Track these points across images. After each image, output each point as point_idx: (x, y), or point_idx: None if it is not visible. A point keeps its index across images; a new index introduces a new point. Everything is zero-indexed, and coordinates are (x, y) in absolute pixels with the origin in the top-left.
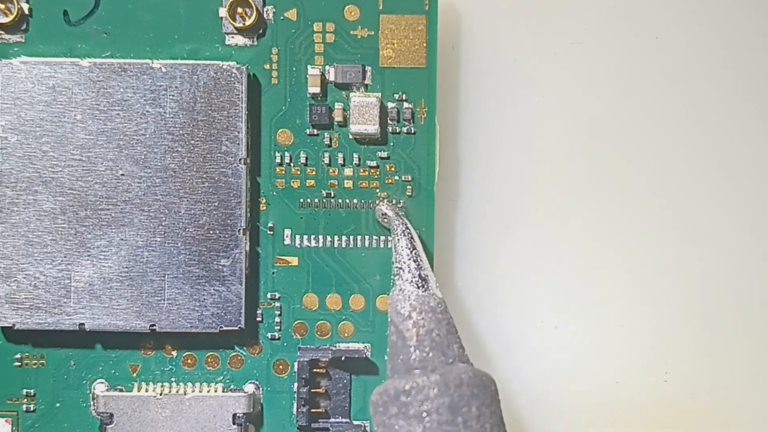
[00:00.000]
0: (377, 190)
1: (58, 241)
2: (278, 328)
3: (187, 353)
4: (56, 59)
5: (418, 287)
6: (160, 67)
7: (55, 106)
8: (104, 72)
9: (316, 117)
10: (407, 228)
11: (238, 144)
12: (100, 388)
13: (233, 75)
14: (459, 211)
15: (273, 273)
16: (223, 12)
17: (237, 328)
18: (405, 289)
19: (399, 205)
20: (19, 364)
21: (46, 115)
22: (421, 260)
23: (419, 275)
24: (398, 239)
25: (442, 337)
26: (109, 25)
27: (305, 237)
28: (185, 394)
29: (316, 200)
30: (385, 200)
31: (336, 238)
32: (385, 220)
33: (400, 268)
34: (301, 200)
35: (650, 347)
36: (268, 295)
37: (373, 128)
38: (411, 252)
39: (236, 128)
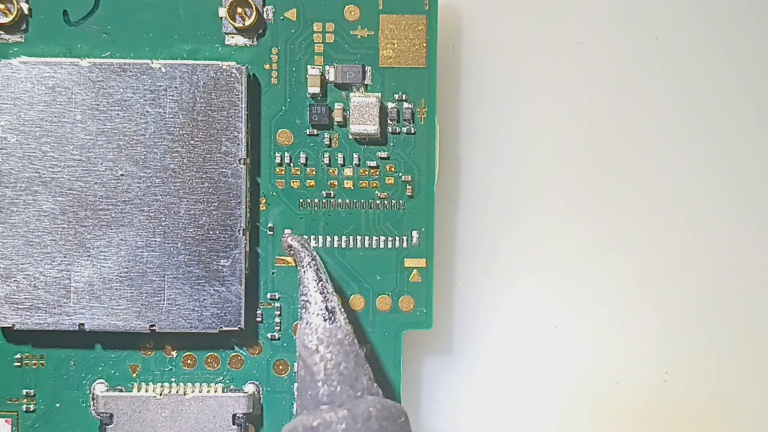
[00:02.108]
0: (377, 190)
1: (58, 241)
2: (278, 328)
3: (187, 353)
4: (56, 59)
5: (326, 320)
6: (160, 67)
7: (55, 106)
8: (104, 72)
9: (316, 117)
10: (313, 259)
11: (238, 144)
12: (100, 388)
13: (233, 75)
14: (459, 211)
15: (273, 273)
16: (222, 12)
17: (237, 328)
18: (312, 322)
19: (304, 237)
20: (19, 364)
21: (46, 115)
22: (327, 292)
23: (326, 307)
24: (304, 271)
25: (350, 370)
26: (109, 25)
27: (305, 237)
28: (185, 394)
29: (316, 200)
30: (290, 233)
31: (336, 238)
32: (291, 252)
33: (307, 301)
34: (301, 200)
35: (650, 347)
36: (268, 296)
37: (373, 128)
38: (318, 284)
39: (236, 128)
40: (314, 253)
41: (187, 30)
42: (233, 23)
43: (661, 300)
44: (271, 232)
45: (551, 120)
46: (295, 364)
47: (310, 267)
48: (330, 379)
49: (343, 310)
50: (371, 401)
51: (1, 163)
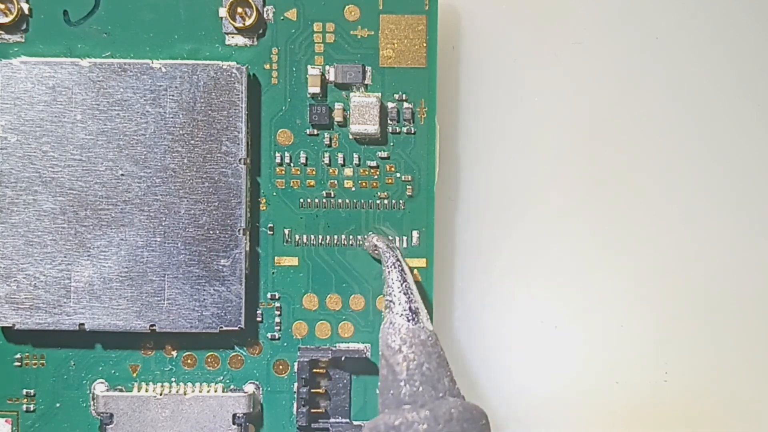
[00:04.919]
0: (377, 190)
1: (58, 241)
2: (278, 328)
3: (187, 353)
4: (56, 59)
5: (409, 320)
6: (160, 67)
7: (55, 106)
8: (104, 72)
9: (316, 117)
10: (398, 260)
11: (238, 144)
12: (100, 388)
13: (233, 75)
14: (459, 211)
15: (273, 273)
16: (223, 12)
17: (237, 328)
18: (395, 322)
19: (390, 237)
20: (19, 364)
21: (46, 115)
22: (411, 292)
23: (410, 308)
24: (389, 271)
25: (432, 371)
26: (109, 25)
27: (305, 237)
28: (185, 394)
29: (316, 200)
30: (376, 232)
31: (336, 238)
32: (376, 252)
33: (391, 301)
34: (301, 200)
35: (650, 347)
36: (268, 295)
37: (373, 128)
38: (402, 284)
39: (236, 128)
40: (399, 254)
41: (187, 30)
42: (233, 23)
43: (660, 300)
44: (271, 232)
45: (551, 120)
46: (379, 363)
47: (395, 267)
48: (412, 379)
49: (426, 311)
50: (453, 402)
51: (1, 163)
